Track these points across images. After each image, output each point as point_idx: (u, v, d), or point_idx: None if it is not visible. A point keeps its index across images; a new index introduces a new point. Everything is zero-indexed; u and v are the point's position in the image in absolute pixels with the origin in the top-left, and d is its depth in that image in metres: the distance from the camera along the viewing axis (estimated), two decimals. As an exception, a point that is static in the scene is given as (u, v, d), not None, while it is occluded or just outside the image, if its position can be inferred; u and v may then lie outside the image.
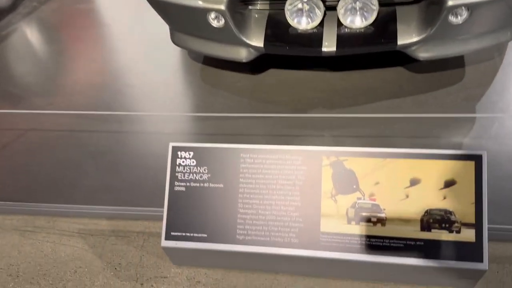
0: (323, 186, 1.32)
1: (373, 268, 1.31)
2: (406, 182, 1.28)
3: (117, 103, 2.34)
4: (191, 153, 1.42)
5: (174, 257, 1.49)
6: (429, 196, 1.25)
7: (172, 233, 1.39)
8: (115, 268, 1.57)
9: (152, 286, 1.49)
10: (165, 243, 1.39)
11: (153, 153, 1.98)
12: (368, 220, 1.29)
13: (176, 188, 1.41)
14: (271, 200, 1.35)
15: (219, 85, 2.32)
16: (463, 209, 1.23)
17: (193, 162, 1.42)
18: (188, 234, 1.38)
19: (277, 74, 2.31)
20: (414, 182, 1.27)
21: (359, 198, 1.30)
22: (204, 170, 1.40)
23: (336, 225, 1.30)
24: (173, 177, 1.42)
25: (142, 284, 1.50)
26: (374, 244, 1.27)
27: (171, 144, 1.44)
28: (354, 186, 1.31)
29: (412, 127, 1.92)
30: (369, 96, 2.10)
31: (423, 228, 1.24)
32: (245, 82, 2.29)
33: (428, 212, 1.25)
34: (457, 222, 1.22)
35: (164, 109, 2.25)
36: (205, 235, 1.37)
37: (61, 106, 2.35)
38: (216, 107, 2.18)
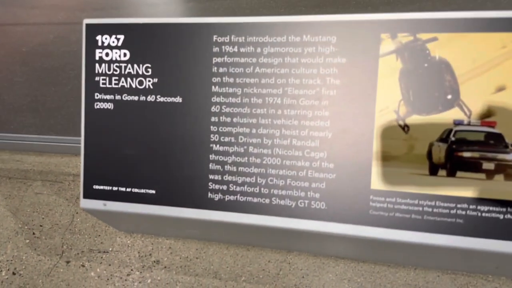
0: (379, 98, 0.64)
1: (478, 258, 0.66)
2: None
3: None
4: (121, 37, 0.74)
5: (116, 222, 0.88)
6: None
7: (96, 187, 0.76)
8: (33, 233, 0.99)
9: (82, 266, 0.91)
10: (86, 203, 0.77)
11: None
12: (477, 167, 0.61)
13: (98, 106, 0.76)
14: (273, 128, 0.68)
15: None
16: None
17: (124, 54, 0.74)
18: (123, 189, 0.75)
19: None
20: None
21: (458, 122, 0.61)
22: (146, 69, 0.73)
23: (406, 177, 0.63)
24: (91, 85, 0.76)
25: (68, 262, 0.92)
26: (485, 217, 0.60)
27: (85, 22, 0.76)
28: (449, 96, 0.61)
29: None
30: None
31: None
32: None
33: None
34: None
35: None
36: (153, 192, 0.74)
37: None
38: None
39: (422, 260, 0.75)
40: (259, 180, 0.69)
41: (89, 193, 0.77)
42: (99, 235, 0.95)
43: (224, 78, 0.69)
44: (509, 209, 0.59)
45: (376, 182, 0.64)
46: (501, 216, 0.60)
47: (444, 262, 0.73)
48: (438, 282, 0.76)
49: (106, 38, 0.74)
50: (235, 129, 0.69)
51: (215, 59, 0.70)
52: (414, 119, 0.62)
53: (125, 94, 0.74)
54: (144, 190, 0.74)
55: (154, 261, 0.89)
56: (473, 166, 0.61)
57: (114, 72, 0.74)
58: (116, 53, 0.74)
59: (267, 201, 0.69)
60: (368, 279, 0.78)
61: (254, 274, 0.83)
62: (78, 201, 1.02)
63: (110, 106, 0.74)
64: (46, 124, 1.21)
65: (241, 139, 0.69)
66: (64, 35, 1.48)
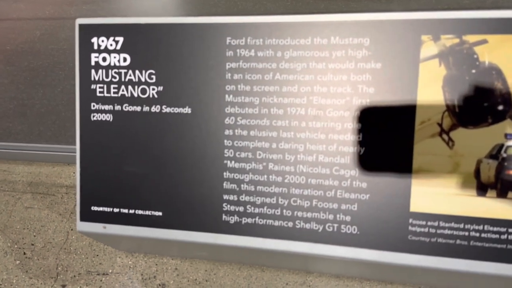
0: (420, 109, 0.56)
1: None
2: None
3: None
4: (120, 39, 0.65)
5: (116, 243, 0.80)
6: None
7: (94, 208, 0.68)
8: (24, 253, 0.90)
9: (80, 291, 0.82)
10: (83, 226, 0.69)
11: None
12: (532, 187, 0.54)
13: (95, 117, 0.67)
14: (296, 142, 0.60)
15: None
16: None
17: (124, 59, 0.65)
18: (125, 211, 0.67)
19: None
20: None
21: (510, 136, 0.54)
22: (149, 76, 0.64)
23: (450, 198, 0.56)
24: (87, 94, 0.67)
25: (64, 286, 0.84)
26: (543, 243, 0.53)
27: (78, 22, 0.67)
28: (501, 107, 0.53)
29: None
30: None
31: None
32: None
33: None
34: None
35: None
36: (159, 213, 0.66)
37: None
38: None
39: (462, 285, 0.68)
40: (281, 201, 0.61)
41: (87, 215, 0.68)
42: (97, 255, 0.87)
43: (239, 86, 0.61)
44: None
45: (416, 204, 0.57)
46: (560, 243, 0.53)
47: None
48: (475, 306, 0.69)
49: (102, 41, 0.65)
50: (253, 144, 0.61)
51: (229, 65, 0.61)
52: (460, 132, 0.55)
53: (126, 104, 0.65)
54: (150, 211, 0.66)
55: (159, 285, 0.81)
56: (528, 186, 0.53)
57: (113, 79, 0.65)
58: (114, 57, 0.65)
59: (290, 224, 0.61)
60: (398, 304, 0.72)
61: (271, 298, 0.76)
62: (73, 216, 0.94)
63: (109, 117, 0.66)
64: (35, 131, 1.12)
65: (259, 154, 0.61)
66: (52, 32, 1.37)
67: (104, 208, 0.67)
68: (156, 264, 0.84)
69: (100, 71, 0.65)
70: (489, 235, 0.55)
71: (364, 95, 0.57)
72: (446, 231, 0.56)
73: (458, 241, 0.56)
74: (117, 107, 0.65)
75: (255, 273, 0.79)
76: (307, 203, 0.60)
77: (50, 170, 1.05)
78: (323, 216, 0.60)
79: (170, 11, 1.33)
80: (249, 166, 0.62)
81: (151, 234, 0.66)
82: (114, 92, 0.65)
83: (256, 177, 0.62)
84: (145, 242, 0.72)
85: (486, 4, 1.08)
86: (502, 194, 0.54)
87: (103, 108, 0.66)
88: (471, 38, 0.54)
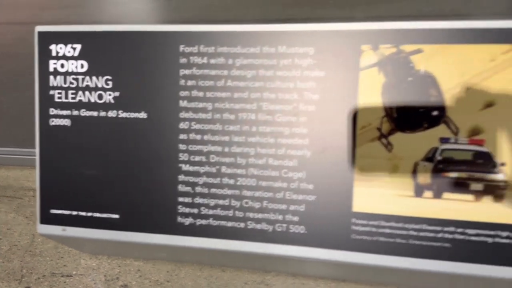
0: (361, 114, 0.59)
1: (465, 282, 0.63)
2: None
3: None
4: (77, 47, 0.67)
5: (79, 245, 0.81)
6: None
7: (54, 211, 0.69)
8: (-11, 257, 0.91)
9: (44, 293, 0.83)
10: (43, 228, 0.70)
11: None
12: (464, 188, 0.57)
13: (54, 122, 0.68)
14: (248, 146, 0.62)
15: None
16: None
17: (82, 66, 0.67)
18: (83, 214, 0.68)
19: None
20: None
21: (445, 140, 0.57)
22: (106, 82, 0.66)
23: (390, 199, 0.59)
24: (45, 99, 0.68)
25: (28, 288, 0.85)
26: (474, 240, 0.57)
27: (37, 30, 0.68)
28: (435, 113, 0.57)
29: None
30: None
31: None
32: None
33: None
34: None
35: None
36: (117, 216, 0.67)
37: None
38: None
39: (407, 281, 0.71)
40: (233, 203, 0.63)
41: (47, 218, 0.70)
42: (62, 257, 0.88)
43: (193, 92, 0.63)
44: (498, 232, 0.56)
45: (358, 205, 0.60)
46: (490, 240, 0.56)
47: (430, 284, 0.69)
48: (423, 302, 0.72)
49: (61, 48, 0.67)
50: (206, 148, 0.64)
51: (182, 71, 0.64)
52: (398, 137, 0.58)
53: (83, 110, 0.67)
54: (107, 214, 0.68)
55: (122, 285, 0.83)
56: (461, 187, 0.57)
57: (71, 85, 0.67)
58: (72, 64, 0.67)
59: (242, 225, 0.63)
60: (351, 301, 0.74)
61: (230, 298, 0.78)
62: (39, 220, 0.94)
63: (67, 122, 0.67)
64: (5, 134, 1.13)
65: (212, 158, 0.64)
66: (24, 36, 1.38)
67: (63, 211, 0.69)
68: (119, 266, 0.85)
69: (58, 77, 0.67)
70: (426, 234, 0.58)
71: (310, 101, 0.60)
72: (387, 230, 0.59)
73: (397, 240, 0.59)
74: (75, 112, 0.67)
75: (216, 273, 0.81)
76: (258, 205, 0.63)
77: (18, 174, 1.06)
78: (273, 216, 0.62)
79: (143, 17, 1.34)
80: (202, 169, 0.64)
81: (108, 237, 0.68)
82: (72, 98, 0.67)
83: (210, 180, 0.64)
84: (107, 244, 0.74)
85: (445, 11, 1.12)
86: (437, 195, 0.58)
87: (61, 114, 0.68)
88: (407, 48, 0.57)
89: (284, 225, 0.62)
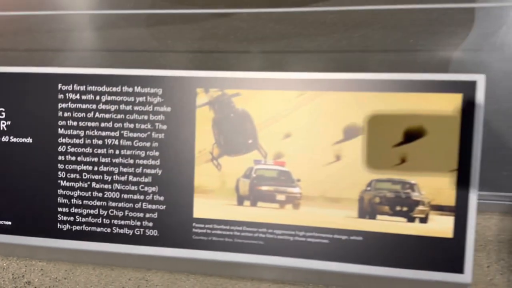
0: (198, 142, 0.75)
1: (280, 272, 0.80)
2: (337, 134, 0.71)
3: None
4: (-26, 83, 0.81)
5: (-14, 249, 0.94)
6: (375, 157, 0.70)
7: (-44, 220, 0.83)
8: None
9: (-45, 291, 0.96)
10: None
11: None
12: (272, 198, 0.74)
13: (-45, 145, 0.82)
14: (112, 166, 0.78)
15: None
16: (434, 180, 0.69)
17: (-22, 99, 0.81)
18: (-19, 222, 0.82)
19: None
20: (350, 132, 0.71)
21: (257, 162, 0.74)
22: (0, 113, 0.80)
23: (220, 207, 0.75)
24: None
25: None
26: (280, 238, 0.74)
27: None
28: (250, 141, 0.74)
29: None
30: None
31: (363, 214, 0.71)
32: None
33: (372, 186, 0.70)
34: (423, 204, 0.69)
35: None
36: (9, 223, 0.81)
37: None
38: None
39: (256, 274, 0.88)
40: (101, 212, 0.79)
41: (-51, 226, 0.83)
42: (-25, 260, 1.01)
43: (68, 122, 0.78)
44: (296, 232, 0.73)
45: (198, 212, 0.76)
46: (291, 238, 0.73)
47: (270, 275, 0.86)
48: (269, 290, 0.89)
49: (-40, 84, 0.81)
50: (80, 167, 0.79)
51: (60, 105, 0.79)
52: (225, 159, 0.75)
53: (-20, 135, 0.81)
54: (2, 221, 0.82)
55: (26, 282, 0.96)
56: (269, 197, 0.74)
57: (-31, 115, 0.81)
58: (-30, 98, 0.81)
59: (109, 230, 0.79)
60: (212, 291, 0.91)
61: (114, 291, 0.93)
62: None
63: (-34, 146, 0.81)
64: None
65: (85, 175, 0.79)
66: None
67: (-37, 219, 0.82)
68: (26, 266, 0.99)
69: (-42, 108, 0.81)
70: (246, 233, 0.75)
71: (160, 130, 0.76)
72: (218, 232, 0.76)
73: (226, 239, 0.75)
74: (-27, 138, 0.81)
75: (105, 271, 0.96)
76: (121, 213, 0.78)
77: None
78: (132, 223, 0.78)
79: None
80: (77, 184, 0.79)
81: (4, 240, 0.82)
82: (-30, 126, 0.81)
83: (82, 193, 0.79)
84: (15, 247, 0.87)
85: (323, 47, 1.31)
86: (253, 204, 0.75)
87: (-38, 138, 0.81)
88: (229, 91, 0.74)
89: (142, 229, 0.78)
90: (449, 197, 0.68)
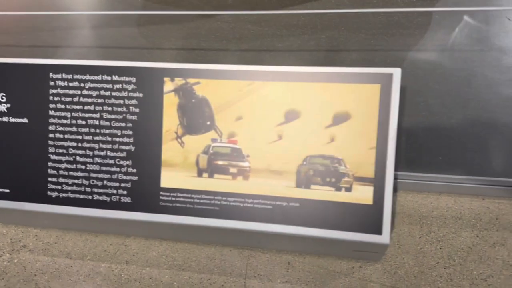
0: (165, 123, 0.89)
1: (233, 234, 0.94)
2: (279, 117, 0.85)
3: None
4: (-20, 72, 0.96)
5: (-12, 216, 1.09)
6: (310, 137, 0.84)
7: (-37, 188, 0.98)
8: None
9: (-39, 252, 1.11)
10: (-45, 200, 0.98)
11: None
12: (226, 171, 0.88)
13: (-37, 124, 0.97)
14: (94, 143, 0.92)
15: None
16: (358, 156, 0.82)
17: (-17, 85, 0.96)
18: (-17, 189, 0.97)
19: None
20: (290, 116, 0.84)
21: (214, 140, 0.88)
22: (1, 97, 0.95)
23: (183, 178, 0.89)
24: (-43, 108, 0.97)
25: (-51, 249, 1.12)
26: (232, 205, 0.88)
27: (-48, 59, 0.97)
28: (208, 123, 0.88)
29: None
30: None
31: (299, 184, 0.85)
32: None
33: (307, 161, 0.84)
34: (348, 176, 0.82)
35: None
36: (7, 190, 0.96)
37: None
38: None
39: (217, 239, 1.02)
40: (84, 182, 0.93)
41: (-43, 193, 0.98)
42: (-21, 227, 1.16)
43: (58, 105, 0.93)
44: (246, 199, 0.87)
45: (164, 182, 0.90)
46: (242, 205, 0.87)
47: (230, 240, 1.00)
48: (230, 255, 1.03)
49: (-32, 72, 0.96)
50: (66, 143, 0.93)
51: (51, 91, 0.93)
52: (187, 137, 0.89)
53: (-16, 116, 0.96)
54: (1, 189, 0.96)
55: (22, 246, 1.11)
56: (224, 170, 0.88)
57: (-25, 99, 0.96)
58: (-24, 84, 0.96)
59: (90, 197, 0.93)
60: (181, 255, 1.05)
61: (97, 254, 1.07)
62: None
63: (-28, 124, 0.96)
64: None
65: (71, 150, 0.93)
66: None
67: (-31, 187, 0.97)
68: (22, 232, 1.13)
69: (-34, 93, 0.96)
70: (205, 201, 0.89)
71: (133, 113, 0.91)
72: (181, 199, 0.90)
73: (188, 205, 0.89)
74: (-22, 118, 0.96)
75: (90, 237, 1.10)
76: (100, 183, 0.92)
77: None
78: (110, 191, 0.92)
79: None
80: (64, 158, 0.93)
81: (2, 205, 0.96)
82: (-25, 107, 0.96)
83: (69, 166, 0.93)
84: (14, 214, 1.02)
85: (293, 47, 1.44)
86: (211, 175, 0.88)
87: (-32, 118, 0.96)
88: (191, 80, 0.88)
89: (117, 196, 0.92)
90: (369, 170, 0.81)
